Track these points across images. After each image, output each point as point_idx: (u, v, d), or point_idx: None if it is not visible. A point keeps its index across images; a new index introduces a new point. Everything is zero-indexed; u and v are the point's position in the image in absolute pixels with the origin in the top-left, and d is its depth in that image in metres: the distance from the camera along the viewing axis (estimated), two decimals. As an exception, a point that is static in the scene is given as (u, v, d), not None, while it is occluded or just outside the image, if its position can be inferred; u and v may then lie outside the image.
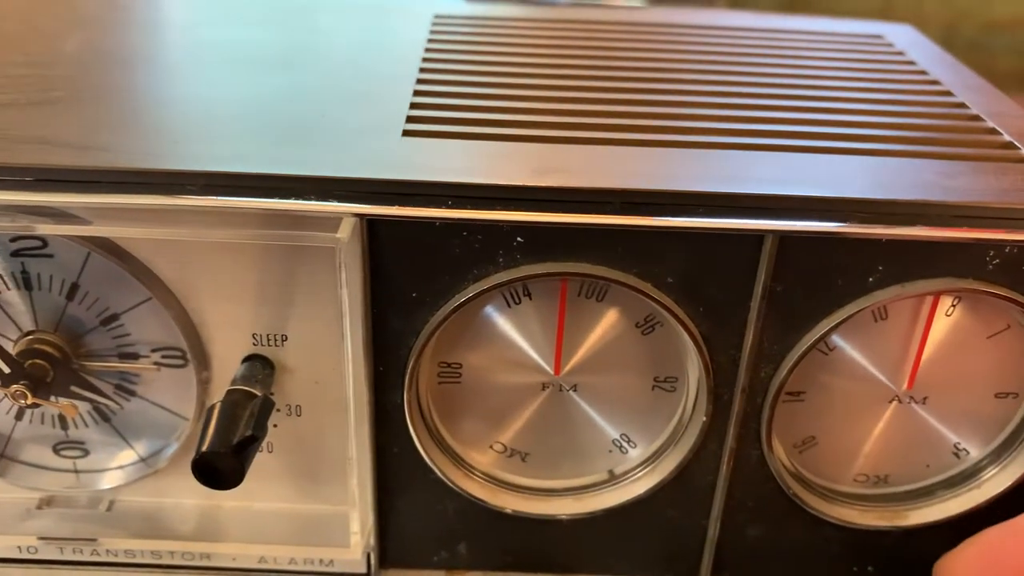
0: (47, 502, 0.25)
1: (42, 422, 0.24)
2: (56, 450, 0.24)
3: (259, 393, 0.21)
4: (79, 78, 0.25)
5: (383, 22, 0.32)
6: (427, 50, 0.28)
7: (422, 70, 0.27)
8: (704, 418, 0.23)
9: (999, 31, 1.54)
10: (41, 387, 0.22)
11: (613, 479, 0.24)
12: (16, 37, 0.29)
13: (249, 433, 0.20)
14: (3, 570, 0.24)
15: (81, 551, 0.24)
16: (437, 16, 0.32)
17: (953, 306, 0.22)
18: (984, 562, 0.22)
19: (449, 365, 0.23)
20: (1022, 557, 0.22)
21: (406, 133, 0.22)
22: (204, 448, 0.19)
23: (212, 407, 0.20)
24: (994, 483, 0.24)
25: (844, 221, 0.20)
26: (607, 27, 0.32)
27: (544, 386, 0.23)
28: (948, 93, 0.27)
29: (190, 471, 0.23)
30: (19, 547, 0.24)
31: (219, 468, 0.19)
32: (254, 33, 0.30)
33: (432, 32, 0.30)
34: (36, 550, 0.24)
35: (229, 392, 0.21)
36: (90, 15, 0.31)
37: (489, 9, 0.33)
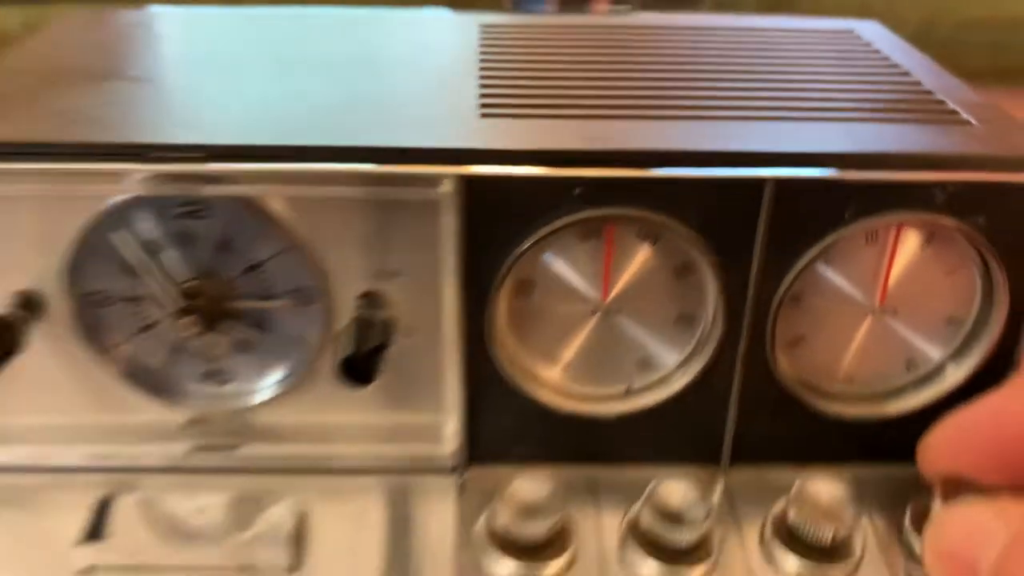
0: (195, 421, 0.30)
1: (193, 354, 0.30)
2: (203, 377, 0.30)
3: (382, 316, 0.27)
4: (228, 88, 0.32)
5: (436, 33, 0.38)
6: (482, 52, 0.35)
7: (482, 68, 0.33)
8: (721, 331, 0.29)
9: (972, 29, 1.62)
10: (201, 323, 0.28)
11: (650, 384, 0.30)
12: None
13: (380, 342, 0.26)
14: (160, 477, 0.30)
15: (223, 459, 0.30)
16: (483, 25, 0.38)
17: (921, 242, 0.28)
18: (958, 432, 0.26)
19: (522, 295, 0.29)
20: (987, 426, 0.26)
21: (483, 116, 0.29)
22: (349, 353, 0.25)
23: (350, 323, 0.26)
24: (954, 378, 0.30)
25: (825, 168, 0.26)
26: (623, 29, 0.38)
27: (594, 311, 0.29)
28: (906, 74, 0.34)
29: (314, 390, 0.29)
30: (172, 457, 0.30)
31: (359, 369, 0.25)
32: (334, 45, 0.36)
33: (482, 38, 0.36)
34: (186, 459, 0.30)
35: (359, 316, 0.27)
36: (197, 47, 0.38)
37: (527, 19, 0.39)
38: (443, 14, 0.41)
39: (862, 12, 1.55)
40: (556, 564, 0.27)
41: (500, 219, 0.27)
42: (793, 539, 0.28)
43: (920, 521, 0.28)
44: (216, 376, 0.30)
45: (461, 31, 0.37)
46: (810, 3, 1.76)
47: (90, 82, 0.31)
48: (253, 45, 0.36)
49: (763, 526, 0.29)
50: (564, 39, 0.36)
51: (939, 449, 0.27)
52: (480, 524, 0.28)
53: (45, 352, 0.29)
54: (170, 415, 0.30)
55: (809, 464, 0.31)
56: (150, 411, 0.30)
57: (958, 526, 0.24)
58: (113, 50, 0.35)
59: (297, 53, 0.35)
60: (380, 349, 0.26)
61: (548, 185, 0.27)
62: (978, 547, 0.24)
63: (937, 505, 0.25)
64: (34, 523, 0.29)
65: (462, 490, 0.30)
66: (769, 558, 0.28)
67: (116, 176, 0.26)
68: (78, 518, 0.28)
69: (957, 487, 0.25)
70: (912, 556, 0.28)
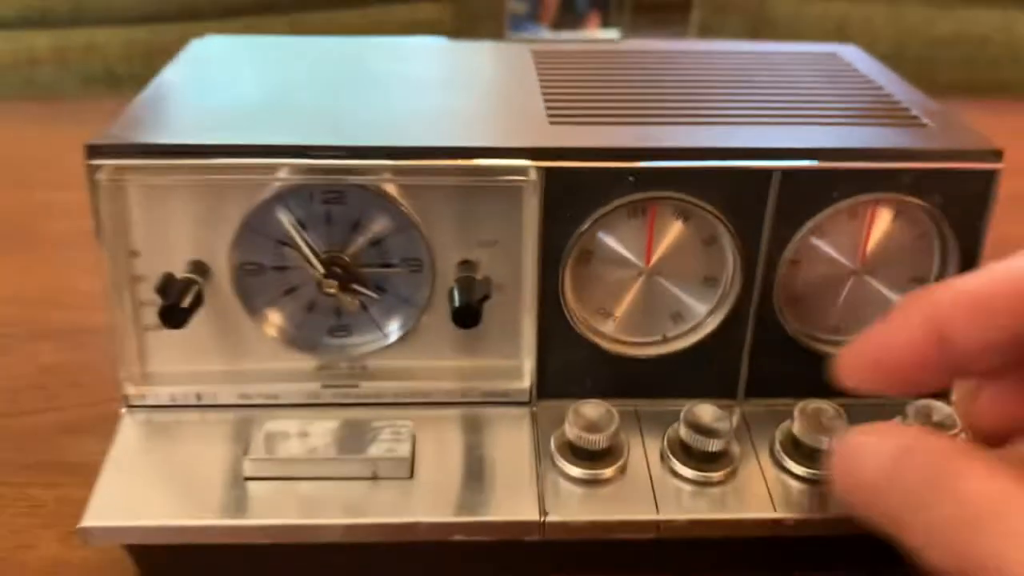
0: (323, 366, 0.38)
1: (324, 312, 0.38)
2: (330, 331, 0.38)
3: (480, 277, 0.35)
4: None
5: (490, 59, 0.47)
6: (540, 73, 0.43)
7: (543, 86, 0.41)
8: (738, 289, 0.37)
9: (943, 45, 1.72)
10: (337, 286, 0.36)
11: (681, 333, 0.38)
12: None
13: (484, 294, 0.34)
14: (297, 411, 0.38)
15: (346, 395, 0.38)
16: (535, 52, 0.46)
17: (891, 217, 0.37)
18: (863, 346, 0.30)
19: (583, 262, 0.37)
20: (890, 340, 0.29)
21: (552, 123, 0.37)
22: (462, 302, 0.33)
23: (459, 281, 0.34)
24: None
25: (817, 160, 0.35)
26: (651, 54, 0.46)
27: (639, 274, 0.37)
28: (880, 88, 0.42)
29: (418, 340, 0.37)
30: (305, 394, 0.38)
31: (471, 313, 0.33)
32: (409, 67, 0.45)
33: (538, 62, 0.45)
34: (318, 396, 0.38)
35: (464, 276, 0.35)
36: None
37: (571, 47, 0.48)
38: (461, 44, 0.49)
39: (840, 28, 1.66)
40: (613, 467, 0.35)
41: (570, 201, 0.35)
42: (797, 450, 0.36)
43: None
44: (341, 330, 0.38)
45: (515, 57, 0.46)
46: (790, 19, 1.85)
47: (239, 94, 0.39)
48: (337, 67, 0.45)
49: (771, 442, 0.37)
50: (605, 62, 0.45)
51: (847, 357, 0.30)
52: (554, 438, 0.36)
53: (207, 310, 0.37)
54: (304, 362, 0.38)
55: (808, 396, 0.39)
56: (288, 359, 0.38)
57: (842, 454, 0.27)
58: (242, 70, 0.43)
59: (383, 72, 0.44)
60: (484, 299, 0.34)
61: (607, 174, 0.35)
62: (867, 466, 0.26)
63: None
64: (198, 446, 0.37)
65: (534, 418, 0.38)
66: (778, 465, 0.36)
67: (274, 169, 0.34)
68: (234, 443, 0.36)
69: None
70: None
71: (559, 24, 2.34)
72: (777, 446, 0.36)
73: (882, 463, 0.25)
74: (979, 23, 1.56)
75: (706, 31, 1.69)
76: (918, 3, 1.58)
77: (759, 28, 1.65)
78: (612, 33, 2.35)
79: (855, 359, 0.29)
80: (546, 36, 2.34)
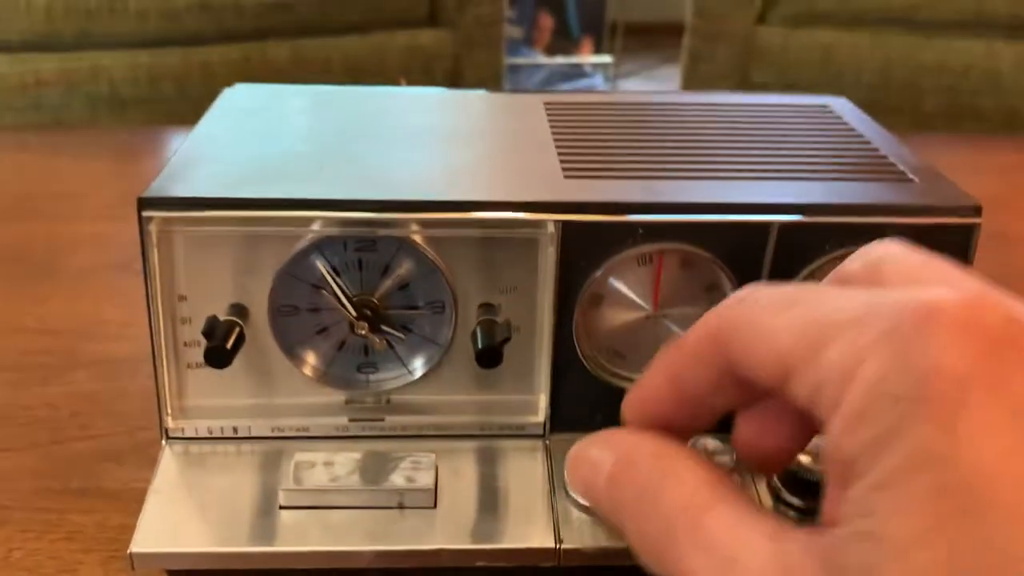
0: (351, 400, 0.41)
1: (352, 351, 0.40)
2: (359, 368, 0.41)
3: (501, 320, 0.38)
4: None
5: (504, 109, 0.50)
6: (552, 126, 0.46)
7: (555, 138, 0.44)
8: (738, 331, 0.40)
9: (927, 74, 1.76)
10: (367, 326, 0.39)
11: (686, 371, 0.41)
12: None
13: (506, 336, 0.37)
14: (324, 444, 0.41)
15: (372, 428, 0.41)
16: (547, 103, 0.49)
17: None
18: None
19: (594, 306, 0.40)
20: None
21: (566, 177, 0.40)
22: (485, 344, 0.36)
23: (481, 324, 0.37)
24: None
25: (812, 215, 0.38)
26: (656, 106, 0.50)
27: (646, 317, 0.40)
28: (868, 143, 0.45)
29: (440, 376, 0.39)
30: (335, 427, 0.41)
31: (493, 355, 0.36)
32: (424, 119, 0.47)
33: (548, 113, 0.48)
34: (346, 428, 0.41)
35: (486, 319, 0.38)
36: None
37: (582, 97, 0.51)
38: (480, 93, 0.52)
39: (827, 57, 1.70)
40: (624, 498, 0.38)
41: (584, 251, 0.38)
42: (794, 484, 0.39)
43: None
44: (369, 367, 0.41)
45: (530, 109, 0.49)
46: (779, 48, 1.89)
47: (274, 146, 0.42)
48: (364, 118, 0.47)
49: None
50: (612, 114, 0.48)
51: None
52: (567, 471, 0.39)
53: (244, 349, 0.39)
54: (333, 396, 0.41)
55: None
56: (318, 394, 0.41)
57: (573, 463, 0.28)
58: (275, 122, 0.46)
59: (408, 124, 0.46)
60: (505, 342, 0.37)
61: (619, 227, 0.38)
62: (592, 476, 0.27)
63: None
64: (234, 476, 0.39)
65: (548, 450, 0.41)
66: (776, 497, 0.39)
67: (310, 221, 0.37)
68: (267, 474, 0.39)
69: None
70: None
71: (553, 49, 2.39)
72: (775, 480, 0.39)
73: (603, 476, 0.26)
74: (962, 53, 1.61)
75: (697, 58, 1.73)
76: (903, 33, 1.63)
77: (748, 56, 1.69)
78: (605, 58, 2.40)
79: (628, 398, 0.30)
80: (541, 60, 2.39)
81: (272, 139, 0.44)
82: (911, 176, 0.41)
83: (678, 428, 0.28)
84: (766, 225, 0.38)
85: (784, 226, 0.38)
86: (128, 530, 0.40)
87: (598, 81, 2.51)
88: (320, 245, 0.38)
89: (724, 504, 0.24)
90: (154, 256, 0.37)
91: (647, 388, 0.29)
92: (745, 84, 1.69)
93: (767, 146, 0.44)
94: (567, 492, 0.38)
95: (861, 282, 0.26)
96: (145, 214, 0.36)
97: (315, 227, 0.37)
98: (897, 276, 0.26)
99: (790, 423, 0.27)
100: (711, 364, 0.27)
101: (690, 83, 1.71)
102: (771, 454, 0.29)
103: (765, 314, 0.25)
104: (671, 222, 0.38)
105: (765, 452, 0.29)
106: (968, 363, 0.20)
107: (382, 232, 0.37)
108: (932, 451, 0.20)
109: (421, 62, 1.49)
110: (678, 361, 0.28)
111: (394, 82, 1.40)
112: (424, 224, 0.38)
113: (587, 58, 2.45)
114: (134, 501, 0.42)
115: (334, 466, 0.38)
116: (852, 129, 0.47)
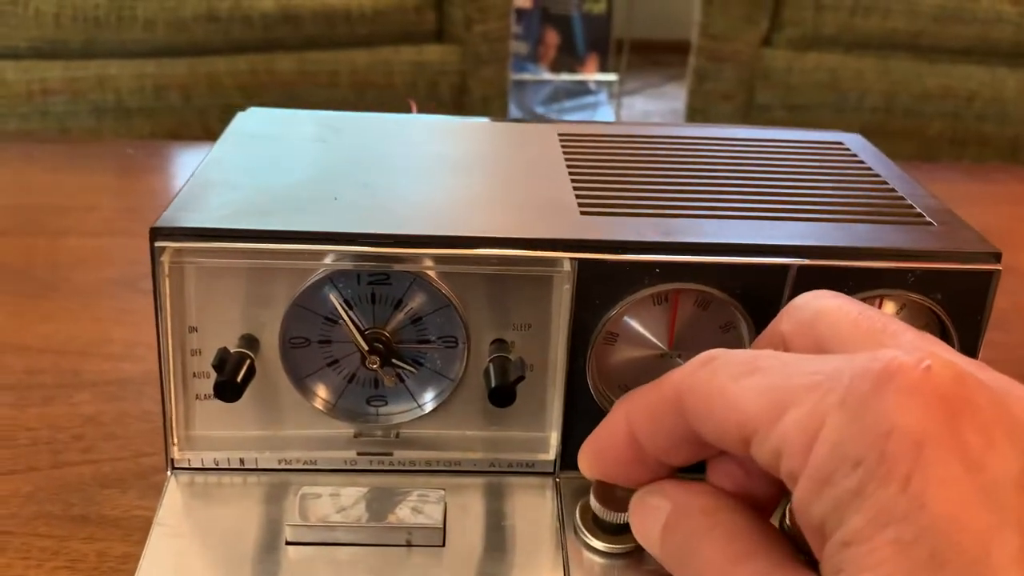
0: (359, 433, 0.41)
1: (362, 384, 0.40)
2: (368, 401, 0.40)
3: (514, 358, 0.37)
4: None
5: (519, 139, 0.49)
6: (565, 155, 0.46)
7: (570, 172, 0.44)
8: (752, 372, 0.39)
9: (931, 100, 1.77)
10: (379, 360, 0.38)
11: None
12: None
13: (519, 375, 0.36)
14: (332, 477, 0.40)
15: (380, 462, 0.40)
16: (561, 134, 0.49)
17: (896, 309, 0.39)
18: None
19: (609, 343, 0.39)
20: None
21: (582, 214, 0.40)
22: (498, 383, 0.36)
23: (494, 361, 0.37)
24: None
25: (830, 258, 0.37)
26: (668, 139, 0.49)
27: (661, 356, 0.40)
28: (884, 182, 0.45)
29: (450, 411, 0.39)
30: (343, 460, 0.40)
31: (506, 394, 0.36)
32: (447, 148, 0.47)
33: (562, 144, 0.47)
34: (354, 462, 0.40)
35: (499, 357, 0.37)
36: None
37: (595, 128, 0.50)
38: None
39: (833, 81, 1.70)
40: (634, 542, 0.37)
41: (600, 289, 0.38)
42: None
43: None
44: (378, 400, 0.40)
45: (544, 139, 0.48)
46: (784, 71, 1.89)
47: (288, 175, 0.41)
48: (377, 147, 0.47)
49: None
50: (627, 147, 0.48)
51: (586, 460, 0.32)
52: (578, 509, 0.38)
53: (254, 381, 0.39)
54: (342, 429, 0.40)
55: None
56: (327, 426, 0.40)
57: (635, 511, 0.30)
58: (288, 149, 0.46)
59: (422, 154, 0.46)
60: (518, 380, 0.36)
61: (635, 266, 0.37)
62: (650, 522, 0.29)
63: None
64: (239, 509, 0.39)
65: (558, 488, 0.40)
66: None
67: (324, 255, 0.37)
68: (274, 507, 0.38)
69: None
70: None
71: (558, 66, 2.39)
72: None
73: (659, 525, 0.28)
74: (967, 79, 1.61)
75: (702, 78, 1.73)
76: (907, 58, 1.63)
77: (754, 77, 1.70)
78: (610, 76, 2.40)
79: (583, 451, 0.32)
80: (546, 76, 2.39)
81: (286, 167, 0.43)
82: (928, 219, 0.41)
83: (635, 482, 0.30)
84: (784, 268, 0.38)
85: (802, 269, 0.38)
86: (131, 559, 0.40)
87: (603, 98, 2.51)
88: (333, 278, 0.37)
89: (753, 559, 0.25)
90: (165, 286, 0.37)
91: (604, 446, 0.31)
92: (750, 105, 1.69)
93: (783, 184, 0.44)
94: (576, 531, 0.38)
95: (800, 344, 0.29)
96: (158, 244, 0.36)
97: (328, 260, 0.37)
98: (836, 337, 0.28)
99: (758, 475, 0.28)
100: (672, 428, 0.28)
101: (695, 102, 1.71)
102: (747, 498, 0.29)
103: (727, 380, 0.26)
104: (688, 262, 0.37)
105: (742, 496, 0.30)
106: (921, 422, 0.21)
107: (396, 267, 0.37)
108: (893, 510, 0.21)
109: (428, 77, 1.49)
110: (636, 422, 0.30)
111: (400, 98, 1.40)
112: (439, 260, 0.37)
113: (592, 75, 2.46)
114: (137, 530, 0.42)
115: (340, 498, 0.38)
116: (868, 168, 0.47)
